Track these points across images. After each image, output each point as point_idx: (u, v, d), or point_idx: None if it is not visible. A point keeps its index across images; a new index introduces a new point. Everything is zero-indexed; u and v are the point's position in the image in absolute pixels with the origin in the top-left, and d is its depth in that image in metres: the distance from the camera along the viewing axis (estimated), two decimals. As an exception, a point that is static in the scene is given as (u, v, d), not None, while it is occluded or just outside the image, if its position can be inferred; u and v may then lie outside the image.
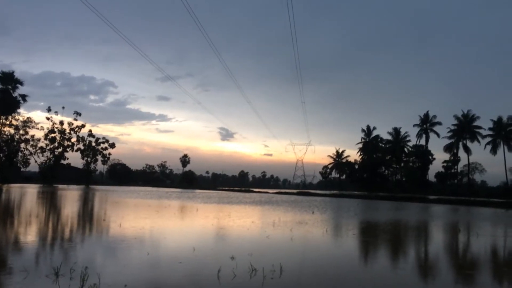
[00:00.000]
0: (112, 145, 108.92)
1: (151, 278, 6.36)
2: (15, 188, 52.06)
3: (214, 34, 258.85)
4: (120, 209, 21.29)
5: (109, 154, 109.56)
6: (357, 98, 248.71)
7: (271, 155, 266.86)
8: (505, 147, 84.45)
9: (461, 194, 74.58)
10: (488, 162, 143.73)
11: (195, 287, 6.03)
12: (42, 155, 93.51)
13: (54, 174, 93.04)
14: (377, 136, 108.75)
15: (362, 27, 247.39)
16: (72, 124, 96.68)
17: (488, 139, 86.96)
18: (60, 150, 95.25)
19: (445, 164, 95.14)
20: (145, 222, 14.98)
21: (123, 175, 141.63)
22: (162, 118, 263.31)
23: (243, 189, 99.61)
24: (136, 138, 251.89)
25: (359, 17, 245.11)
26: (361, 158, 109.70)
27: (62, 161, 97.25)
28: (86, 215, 18.51)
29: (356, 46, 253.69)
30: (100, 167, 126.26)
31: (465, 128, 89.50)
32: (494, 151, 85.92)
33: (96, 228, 13.13)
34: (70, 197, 33.31)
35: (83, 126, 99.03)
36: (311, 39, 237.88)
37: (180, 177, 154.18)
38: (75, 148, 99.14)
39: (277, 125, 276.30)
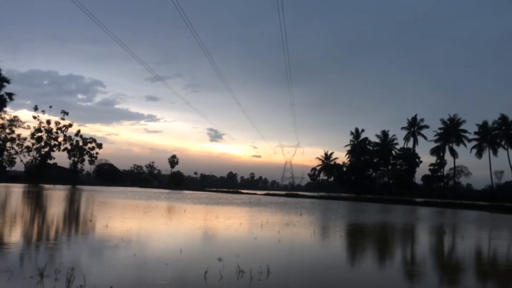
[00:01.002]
0: (100, 145, 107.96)
1: (137, 280, 6.32)
2: (0, 188, 51.33)
3: (204, 35, 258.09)
4: (107, 210, 21.11)
5: (97, 154, 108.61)
6: (346, 101, 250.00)
7: (259, 156, 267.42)
8: (490, 151, 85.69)
9: (447, 197, 75.36)
10: (473, 166, 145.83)
11: (182, 288, 6.00)
12: (28, 155, 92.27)
13: (40, 174, 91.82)
14: (366, 138, 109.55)
15: (351, 30, 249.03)
16: (59, 123, 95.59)
17: (474, 143, 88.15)
18: (46, 149, 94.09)
19: (431, 167, 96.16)
20: (132, 223, 14.89)
21: (111, 176, 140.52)
22: (151, 118, 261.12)
23: (231, 190, 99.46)
24: (124, 138, 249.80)
25: (348, 21, 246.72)
26: (350, 160, 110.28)
27: (49, 161, 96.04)
28: (72, 215, 18.33)
29: (345, 50, 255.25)
30: (87, 167, 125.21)
31: (451, 132, 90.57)
32: (479, 154, 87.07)
33: (82, 229, 13.02)
34: (56, 197, 32.95)
35: (70, 125, 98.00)
36: (301, 42, 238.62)
37: (169, 178, 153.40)
38: (62, 147, 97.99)
39: (266, 126, 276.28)
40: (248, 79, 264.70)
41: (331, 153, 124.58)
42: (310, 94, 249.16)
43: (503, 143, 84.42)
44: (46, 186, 73.09)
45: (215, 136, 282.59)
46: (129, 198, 36.64)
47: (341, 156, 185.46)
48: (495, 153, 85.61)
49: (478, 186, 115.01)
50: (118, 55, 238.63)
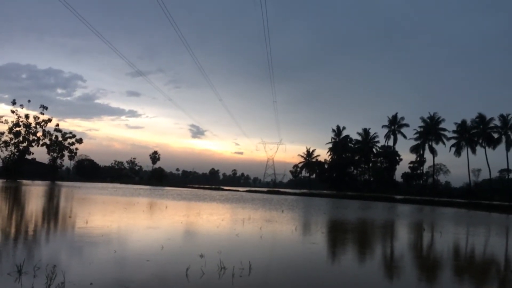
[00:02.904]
0: (80, 141, 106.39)
1: (117, 276, 6.27)
2: (-24, 183, 50.15)
3: (186, 30, 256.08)
4: (87, 206, 20.85)
5: (76, 149, 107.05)
6: (328, 99, 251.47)
7: (242, 153, 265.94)
8: (469, 149, 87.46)
9: (426, 194, 76.66)
10: (452, 164, 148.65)
11: (163, 285, 5.98)
12: (6, 150, 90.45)
13: (18, 169, 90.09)
14: (347, 136, 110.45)
15: (333, 28, 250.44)
16: (38, 118, 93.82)
17: (453, 141, 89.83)
18: (25, 144, 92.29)
19: (411, 165, 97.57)
20: (113, 219, 14.74)
21: (91, 171, 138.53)
22: (132, 113, 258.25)
23: (213, 187, 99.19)
24: (104, 134, 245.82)
25: (331, 19, 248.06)
26: (331, 157, 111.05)
27: (27, 156, 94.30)
28: (52, 211, 18.04)
29: (327, 48, 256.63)
30: (66, 162, 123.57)
31: (431, 130, 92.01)
32: (458, 153, 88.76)
33: (62, 225, 12.83)
34: (35, 193, 32.36)
35: (49, 120, 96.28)
36: (283, 39, 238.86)
37: (150, 174, 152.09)
38: (41, 142, 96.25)
39: (248, 123, 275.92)
40: (230, 75, 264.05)
41: (313, 150, 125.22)
42: (292, 91, 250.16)
43: (480, 141, 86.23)
44: (24, 182, 71.71)
45: (197, 132, 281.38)
46: (110, 194, 36.23)
47: (323, 153, 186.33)
48: (473, 151, 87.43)
49: (456, 184, 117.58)
50: (98, 49, 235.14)
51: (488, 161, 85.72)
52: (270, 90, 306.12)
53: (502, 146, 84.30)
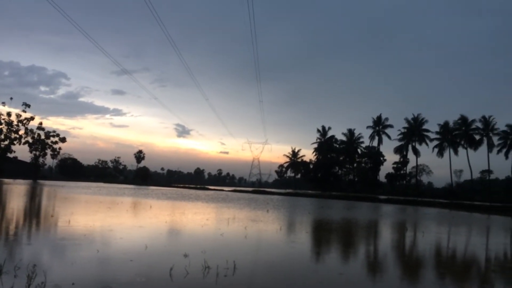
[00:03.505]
0: (63, 139, 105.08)
1: (100, 276, 6.20)
2: (-45, 182, 49.10)
3: (173, 29, 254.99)
4: (69, 205, 20.57)
5: (59, 148, 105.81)
6: (314, 99, 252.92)
7: (227, 153, 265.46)
8: (451, 150, 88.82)
9: (409, 195, 77.55)
10: (435, 164, 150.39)
11: (147, 285, 5.93)
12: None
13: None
14: (332, 136, 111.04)
15: (319, 30, 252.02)
16: (20, 116, 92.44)
17: (436, 142, 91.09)
18: (6, 142, 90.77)
19: (395, 166, 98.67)
20: (96, 218, 14.57)
21: (74, 170, 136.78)
22: (117, 112, 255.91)
23: (198, 186, 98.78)
24: (88, 132, 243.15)
25: (317, 20, 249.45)
26: (316, 157, 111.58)
27: (9, 154, 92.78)
28: (33, 210, 17.76)
29: (313, 48, 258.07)
30: (49, 161, 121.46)
31: (414, 131, 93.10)
32: (440, 153, 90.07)
33: (44, 225, 12.63)
34: (16, 192, 31.81)
35: (32, 118, 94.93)
36: (270, 39, 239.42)
37: (134, 174, 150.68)
38: (23, 141, 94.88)
39: (234, 123, 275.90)
40: (217, 75, 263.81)
41: (299, 150, 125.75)
42: (278, 91, 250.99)
43: (463, 142, 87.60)
44: (6, 180, 70.44)
45: (182, 131, 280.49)
46: (93, 194, 35.82)
47: (308, 154, 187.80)
48: (455, 152, 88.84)
49: (439, 184, 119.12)
50: (84, 47, 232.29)
51: (469, 162, 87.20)
52: (257, 90, 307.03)
53: (483, 148, 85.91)
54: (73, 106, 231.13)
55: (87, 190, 43.40)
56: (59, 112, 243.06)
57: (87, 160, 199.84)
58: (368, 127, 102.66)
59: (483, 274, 8.50)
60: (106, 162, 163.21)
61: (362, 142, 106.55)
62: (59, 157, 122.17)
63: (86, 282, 5.79)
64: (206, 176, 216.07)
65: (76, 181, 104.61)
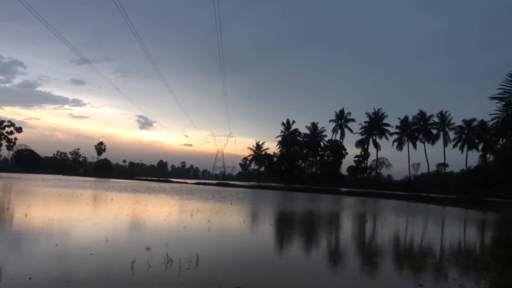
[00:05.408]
0: (19, 129, 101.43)
1: (59, 271, 6.03)
2: None
3: (136, 18, 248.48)
4: (26, 198, 19.85)
5: (15, 139, 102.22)
6: (279, 92, 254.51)
7: (191, 145, 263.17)
8: (410, 144, 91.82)
9: (370, 187, 79.65)
10: (394, 158, 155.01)
11: (107, 279, 5.83)
12: None
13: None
14: (296, 130, 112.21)
15: (285, 24, 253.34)
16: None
17: (395, 136, 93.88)
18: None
19: (356, 159, 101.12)
20: (54, 212, 14.15)
21: (31, 162, 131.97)
22: (76, 103, 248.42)
23: (161, 179, 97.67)
24: (46, 123, 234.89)
25: (282, 14, 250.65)
26: (280, 150, 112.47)
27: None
28: (-13, 204, 17.03)
29: (278, 42, 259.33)
30: (4, 152, 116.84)
31: (375, 125, 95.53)
32: (400, 147, 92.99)
33: (-2, 219, 12.15)
34: (-33, 185, 30.39)
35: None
36: (235, 32, 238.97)
37: (95, 166, 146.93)
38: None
39: (198, 115, 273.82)
40: (181, 66, 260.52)
41: (263, 143, 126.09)
42: (243, 84, 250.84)
43: (421, 137, 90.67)
44: (-44, 172, 67.19)
45: (145, 123, 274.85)
46: (51, 186, 34.71)
47: (272, 147, 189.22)
48: (414, 146, 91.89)
49: (398, 177, 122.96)
50: (41, 35, 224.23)
51: (427, 156, 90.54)
52: (221, 82, 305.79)
53: (440, 142, 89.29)
54: (30, 96, 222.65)
55: (45, 183, 42.02)
56: (15, 101, 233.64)
57: (45, 151, 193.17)
58: (331, 120, 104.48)
59: (437, 263, 8.86)
60: (65, 154, 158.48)
61: (325, 136, 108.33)
62: (15, 148, 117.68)
63: (44, 277, 5.62)
64: (170, 169, 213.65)
65: (33, 173, 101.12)
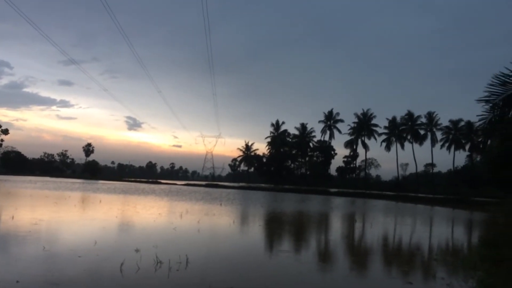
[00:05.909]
0: (5, 131, 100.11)
1: (46, 274, 5.97)
2: None
3: (124, 19, 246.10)
4: (13, 200, 19.59)
5: (2, 140, 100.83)
6: (268, 93, 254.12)
7: (180, 146, 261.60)
8: (398, 145, 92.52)
9: (359, 187, 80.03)
10: (382, 158, 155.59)
11: (96, 281, 5.79)
12: None
13: None
14: (285, 130, 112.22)
15: (274, 24, 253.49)
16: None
17: (384, 136, 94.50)
18: None
19: (345, 159, 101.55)
20: (42, 214, 13.99)
21: (18, 164, 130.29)
22: (64, 104, 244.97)
23: (150, 180, 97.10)
24: (33, 125, 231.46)
25: (271, 15, 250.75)
26: (269, 151, 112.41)
27: None
28: (-28, 207, 16.78)
29: (267, 42, 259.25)
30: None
31: (363, 126, 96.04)
32: (388, 148, 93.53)
33: (-16, 221, 11.98)
34: (-48, 187, 29.92)
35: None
36: (224, 33, 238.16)
37: (83, 167, 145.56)
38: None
39: (187, 116, 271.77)
40: (170, 67, 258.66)
41: (252, 144, 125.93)
42: (232, 85, 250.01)
43: (409, 137, 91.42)
44: None
45: (133, 124, 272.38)
46: (39, 188, 34.32)
47: (261, 147, 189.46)
48: (402, 146, 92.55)
49: (386, 177, 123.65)
50: (28, 35, 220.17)
51: (415, 156, 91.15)
52: (210, 83, 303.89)
53: (428, 142, 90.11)
54: (17, 97, 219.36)
55: (32, 185, 41.52)
56: (2, 103, 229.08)
57: (32, 153, 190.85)
58: (320, 121, 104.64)
59: (426, 262, 8.95)
60: (52, 155, 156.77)
61: (314, 136, 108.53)
62: (1, 150, 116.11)
63: (32, 279, 5.56)
64: (159, 170, 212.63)
65: (20, 175, 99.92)
